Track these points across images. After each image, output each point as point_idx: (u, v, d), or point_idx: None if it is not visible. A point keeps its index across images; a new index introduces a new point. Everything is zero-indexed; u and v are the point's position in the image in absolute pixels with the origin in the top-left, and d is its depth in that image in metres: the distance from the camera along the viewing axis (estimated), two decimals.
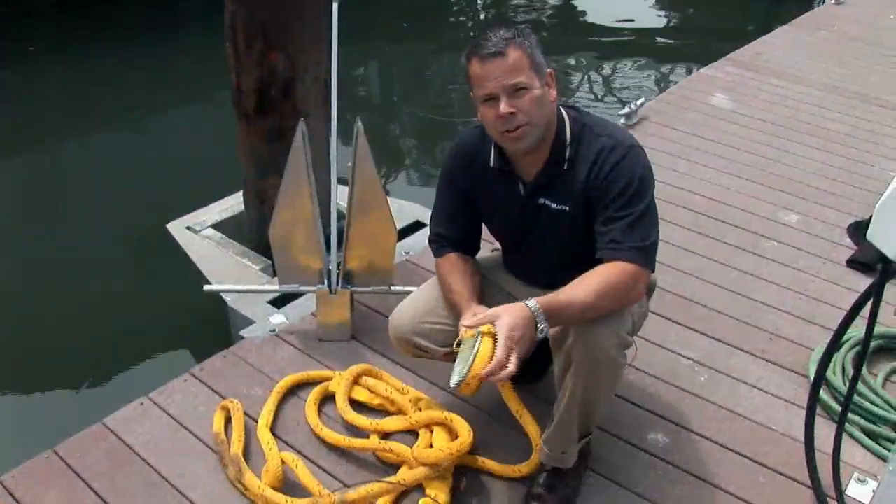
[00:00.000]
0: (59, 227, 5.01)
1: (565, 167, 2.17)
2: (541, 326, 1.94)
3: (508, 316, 1.92)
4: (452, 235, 2.38)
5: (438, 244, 2.40)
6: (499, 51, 2.01)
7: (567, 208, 2.19)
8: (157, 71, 7.45)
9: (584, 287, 2.00)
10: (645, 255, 2.05)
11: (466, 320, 2.06)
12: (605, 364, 2.06)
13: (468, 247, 2.42)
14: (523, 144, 2.11)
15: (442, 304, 2.36)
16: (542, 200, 2.23)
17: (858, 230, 3.89)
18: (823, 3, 8.77)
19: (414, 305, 2.41)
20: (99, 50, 7.61)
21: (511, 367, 1.91)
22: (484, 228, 2.45)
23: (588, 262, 2.08)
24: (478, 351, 1.89)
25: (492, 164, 2.26)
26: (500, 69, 2.02)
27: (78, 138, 6.37)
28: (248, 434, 2.53)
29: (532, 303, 1.95)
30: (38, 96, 6.93)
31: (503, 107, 2.03)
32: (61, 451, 2.48)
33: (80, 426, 2.58)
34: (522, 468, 2.39)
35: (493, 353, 1.88)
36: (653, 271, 2.11)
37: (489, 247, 2.62)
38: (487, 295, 2.35)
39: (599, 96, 7.91)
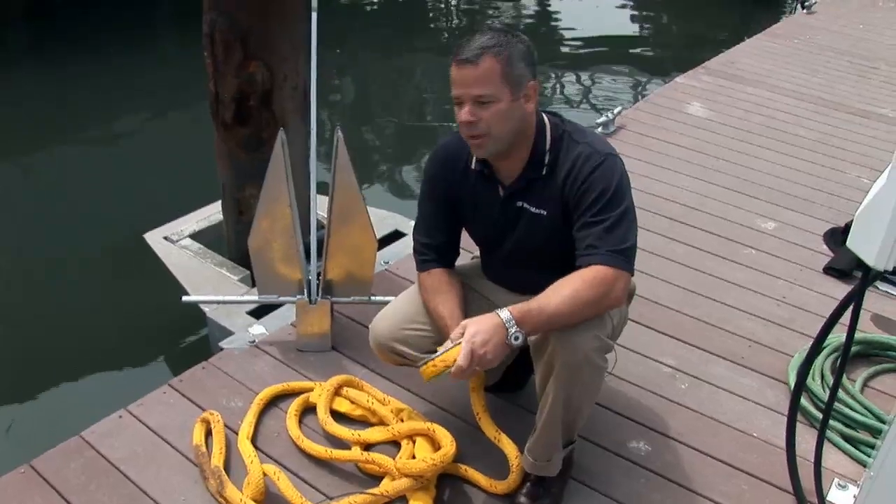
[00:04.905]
0: (35, 237, 4.95)
1: (543, 172, 2.19)
2: (512, 331, 1.97)
3: (473, 325, 2.00)
4: (434, 243, 2.39)
5: (422, 255, 2.41)
6: (470, 59, 2.04)
7: (545, 212, 2.21)
8: (132, 79, 7.38)
9: (558, 292, 2.01)
10: (622, 257, 2.06)
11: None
12: (585, 368, 2.06)
13: (450, 254, 2.44)
14: (481, 152, 2.17)
15: (422, 311, 2.37)
16: (520, 203, 2.24)
17: (834, 237, 3.93)
18: (795, 12, 8.88)
19: (394, 313, 2.42)
20: (72, 59, 7.53)
21: (472, 368, 2.05)
22: (463, 238, 2.45)
23: (568, 266, 2.09)
24: (447, 351, 2.01)
25: (473, 166, 2.28)
26: (469, 77, 2.05)
27: (53, 148, 6.30)
28: (229, 446, 2.50)
29: (503, 311, 1.99)
30: (10, 107, 6.84)
31: (464, 114, 2.07)
32: (38, 465, 2.43)
33: (56, 439, 2.54)
34: (499, 486, 2.38)
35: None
36: (632, 274, 2.11)
37: (468, 255, 2.63)
38: (469, 302, 2.38)
39: (576, 105, 7.95)
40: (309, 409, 2.68)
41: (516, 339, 1.98)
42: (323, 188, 3.05)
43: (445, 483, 2.41)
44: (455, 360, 1.96)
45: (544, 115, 2.22)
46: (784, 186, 4.53)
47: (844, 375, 2.92)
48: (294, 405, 2.65)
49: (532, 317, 1.99)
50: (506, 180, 2.25)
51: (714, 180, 4.56)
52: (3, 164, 6.07)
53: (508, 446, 2.37)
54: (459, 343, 1.98)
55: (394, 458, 2.36)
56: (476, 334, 1.96)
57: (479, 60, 2.03)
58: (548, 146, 2.19)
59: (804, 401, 2.79)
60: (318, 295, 2.95)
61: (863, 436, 2.68)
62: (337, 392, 2.68)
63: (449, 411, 2.69)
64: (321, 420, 2.56)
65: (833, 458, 2.61)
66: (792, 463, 2.33)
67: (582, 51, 9.52)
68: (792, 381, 2.88)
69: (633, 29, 10.56)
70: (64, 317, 4.25)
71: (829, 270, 3.69)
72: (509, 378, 2.67)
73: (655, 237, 3.88)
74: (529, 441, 2.27)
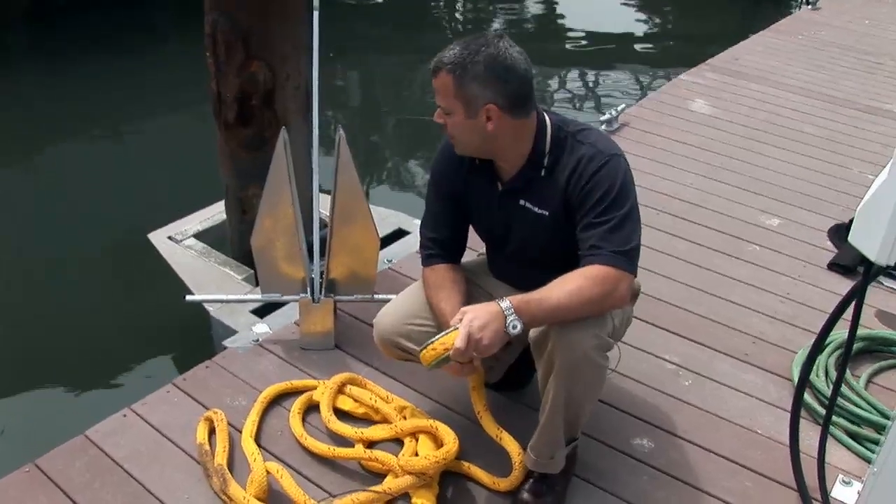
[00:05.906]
0: (40, 237, 4.96)
1: (542, 174, 2.20)
2: (510, 319, 1.98)
3: (472, 311, 2.01)
4: (440, 237, 2.41)
5: (428, 250, 2.42)
6: (432, 69, 2.13)
7: (547, 213, 2.21)
8: (134, 80, 7.38)
9: (560, 286, 2.02)
10: (625, 258, 2.06)
11: None
12: (585, 365, 2.06)
13: (455, 250, 2.44)
14: (457, 151, 2.24)
15: (425, 307, 2.38)
16: (522, 202, 2.25)
17: (839, 233, 3.92)
18: (799, 8, 8.86)
19: (398, 308, 2.43)
20: (73, 60, 7.53)
21: (476, 362, 2.18)
22: (471, 236, 2.46)
23: (571, 266, 2.09)
24: (446, 334, 2.03)
25: (477, 162, 2.29)
26: (434, 85, 2.14)
27: (54, 149, 6.30)
28: (233, 445, 2.51)
29: (503, 300, 2.00)
30: (11, 107, 6.85)
31: (436, 115, 2.17)
32: (42, 464, 2.44)
33: (61, 438, 2.55)
34: (502, 483, 2.38)
35: None
36: (635, 275, 2.11)
37: (474, 254, 2.63)
38: (473, 298, 2.37)
39: (580, 102, 7.94)
40: (312, 408, 2.68)
41: (514, 327, 1.98)
42: (325, 187, 3.05)
43: (448, 480, 2.42)
44: (454, 344, 1.97)
45: (546, 116, 2.22)
46: (788, 183, 4.52)
47: (848, 371, 2.92)
48: (297, 403, 2.66)
49: (531, 307, 1.99)
50: (504, 177, 2.26)
51: (718, 177, 4.55)
52: (5, 164, 6.09)
53: (511, 444, 2.37)
54: (458, 328, 1.99)
55: (397, 456, 2.37)
56: (474, 319, 1.97)
57: (437, 74, 2.11)
58: (548, 147, 2.19)
59: (808, 397, 2.78)
60: (321, 293, 2.95)
61: (867, 432, 2.67)
62: (340, 390, 2.69)
63: (452, 409, 2.70)
64: (324, 418, 2.57)
65: (837, 455, 2.61)
66: (795, 459, 2.33)
67: (585, 48, 9.50)
68: (795, 377, 2.88)
69: (636, 26, 10.53)
70: (67, 316, 4.26)
71: (834, 266, 3.68)
72: (512, 377, 2.67)
73: (659, 234, 3.88)
74: (532, 438, 2.27)
